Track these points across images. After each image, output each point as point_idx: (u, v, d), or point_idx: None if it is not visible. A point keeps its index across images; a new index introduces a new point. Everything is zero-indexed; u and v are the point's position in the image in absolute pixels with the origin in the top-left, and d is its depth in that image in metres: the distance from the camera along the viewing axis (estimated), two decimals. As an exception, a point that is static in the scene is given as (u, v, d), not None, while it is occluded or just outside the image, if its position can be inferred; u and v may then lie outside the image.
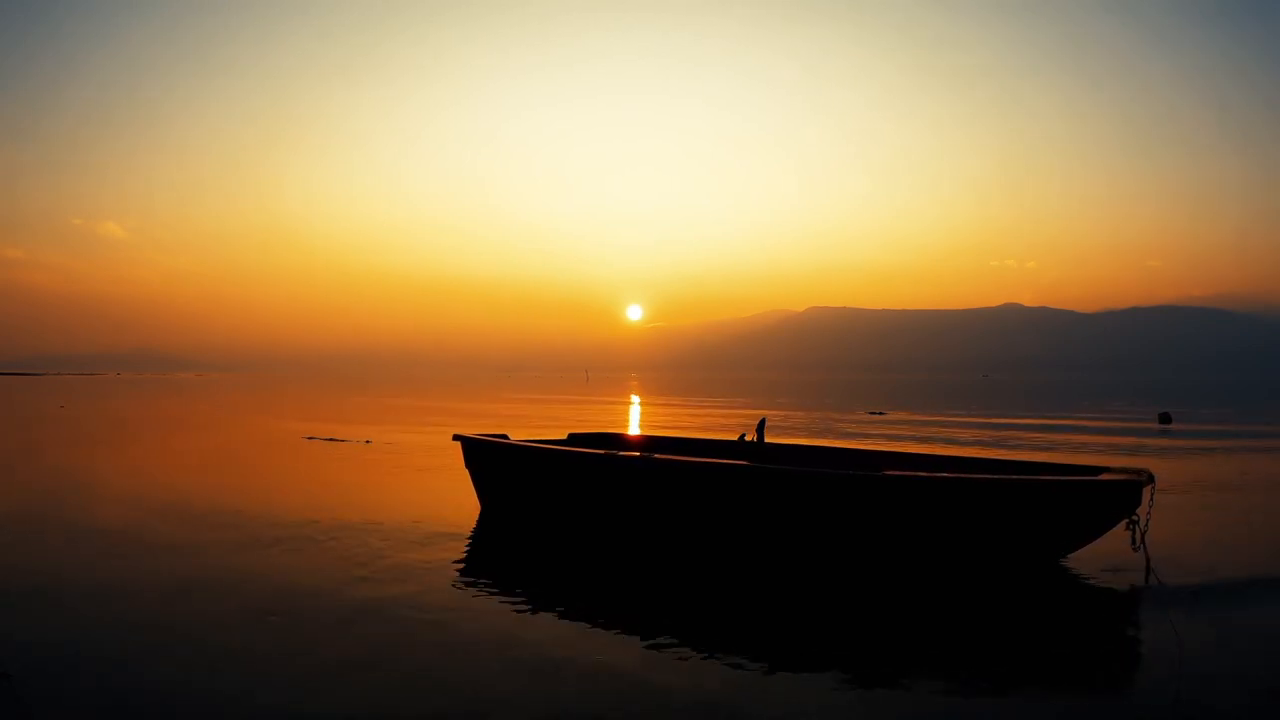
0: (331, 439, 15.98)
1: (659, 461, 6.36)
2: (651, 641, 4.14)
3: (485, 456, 7.71)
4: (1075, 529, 5.46)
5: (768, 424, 8.18)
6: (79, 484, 9.80)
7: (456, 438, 8.00)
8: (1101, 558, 5.72)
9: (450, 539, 6.56)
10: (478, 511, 7.64)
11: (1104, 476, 5.42)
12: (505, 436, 8.05)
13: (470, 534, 6.82)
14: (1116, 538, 5.40)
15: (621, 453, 6.96)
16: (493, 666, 3.78)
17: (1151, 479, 5.39)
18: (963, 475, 5.56)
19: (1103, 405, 34.67)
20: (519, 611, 4.66)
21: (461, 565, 5.78)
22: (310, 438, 16.37)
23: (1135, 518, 5.27)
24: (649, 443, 8.46)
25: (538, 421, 22.85)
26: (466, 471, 7.98)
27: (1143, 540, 5.22)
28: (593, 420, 23.63)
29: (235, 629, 4.29)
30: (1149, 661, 4.02)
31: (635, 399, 42.35)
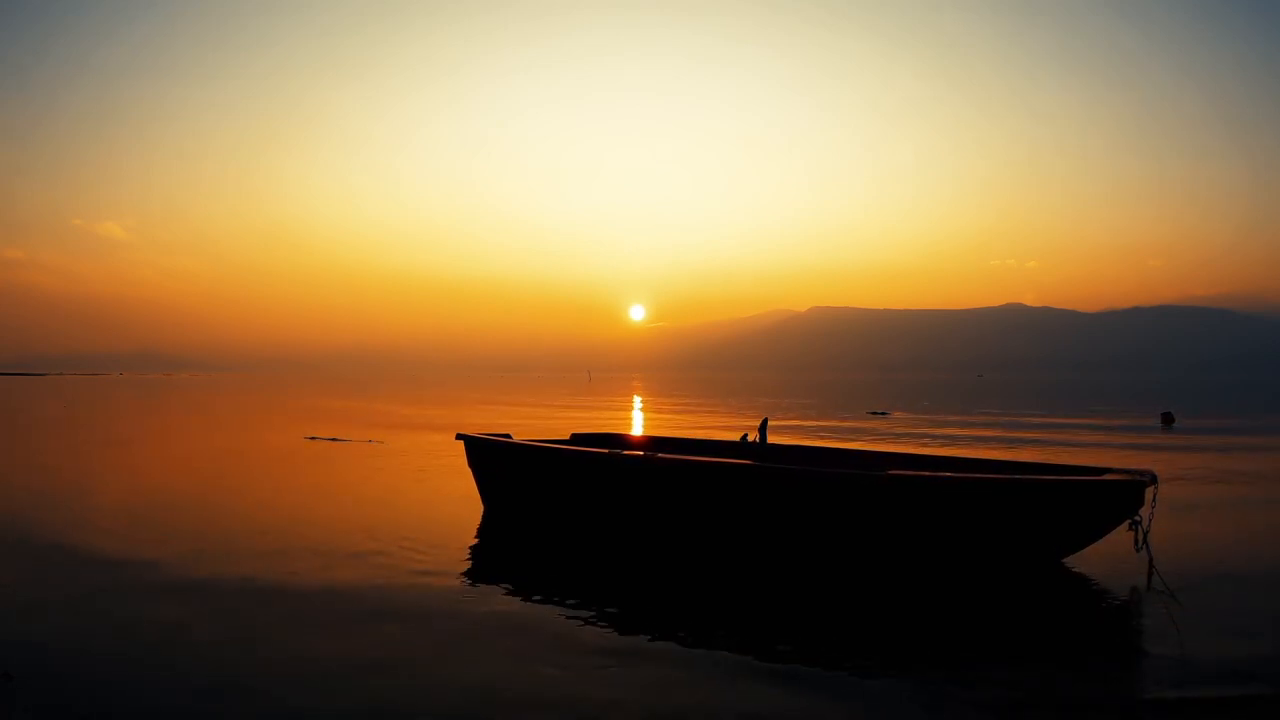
0: (333, 439, 15.99)
1: (661, 461, 6.36)
2: (656, 641, 4.14)
3: (488, 456, 7.71)
4: (1077, 529, 5.46)
5: (770, 424, 8.17)
6: (80, 485, 9.81)
7: (459, 437, 8.00)
8: (1104, 558, 5.72)
9: (454, 539, 6.56)
10: (481, 511, 7.65)
11: (1106, 477, 5.41)
12: (508, 436, 8.05)
13: (474, 533, 6.82)
14: (1119, 538, 5.39)
15: (624, 452, 6.96)
16: (497, 666, 3.78)
17: (1154, 480, 5.38)
18: (965, 475, 5.56)
19: (1105, 405, 34.63)
20: (522, 612, 4.66)
21: (465, 565, 5.78)
22: (312, 437, 16.38)
23: (1138, 518, 5.27)
24: (651, 443, 8.46)
25: (539, 422, 22.85)
26: (469, 471, 7.98)
27: (1145, 541, 5.21)
28: (594, 421, 23.62)
29: (238, 629, 4.29)
30: (1151, 662, 4.01)
31: (638, 400, 42.34)
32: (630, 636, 4.23)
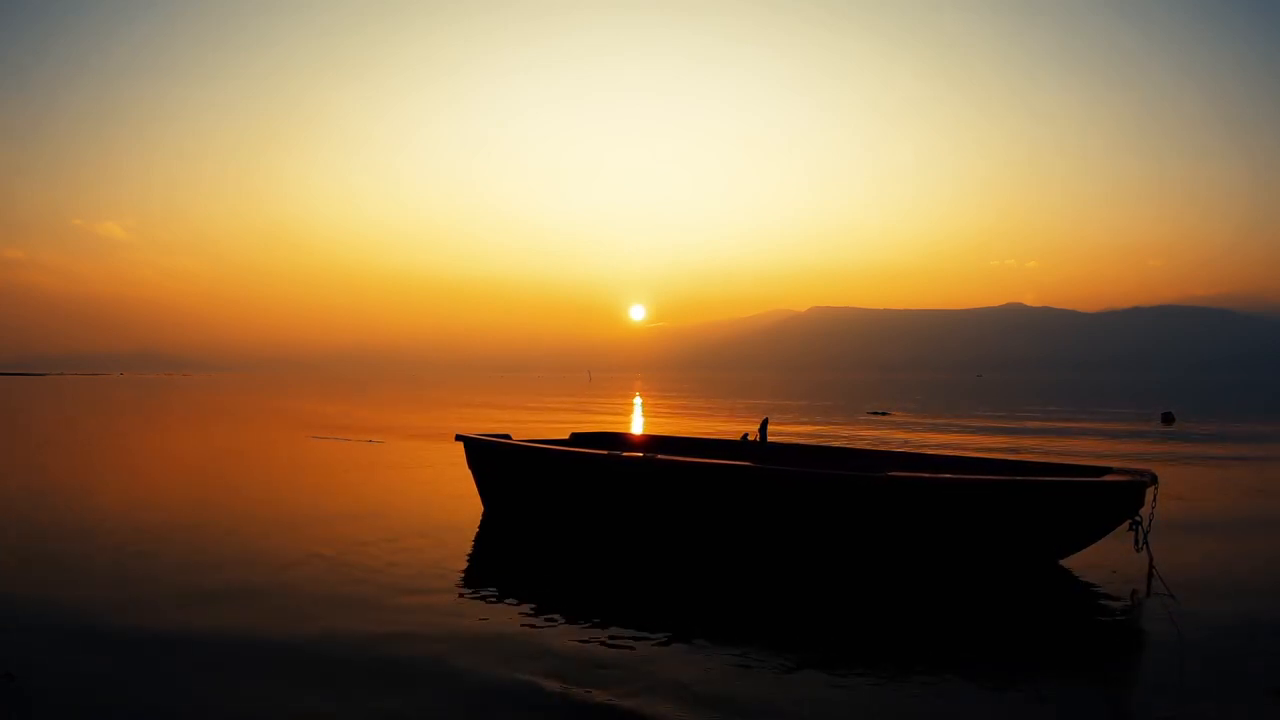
0: (336, 438, 16.00)
1: (662, 462, 6.36)
2: (658, 643, 4.14)
3: (488, 457, 7.70)
4: (1077, 530, 5.46)
5: (770, 425, 8.17)
6: (82, 485, 9.80)
7: (459, 438, 8.00)
8: (1104, 559, 5.72)
9: (453, 539, 6.56)
10: (480, 512, 7.65)
11: (1106, 477, 5.41)
12: (508, 436, 8.05)
13: (473, 534, 6.82)
14: (1119, 539, 5.39)
15: (624, 453, 6.96)
16: (497, 670, 3.78)
17: (1154, 480, 5.38)
18: (965, 476, 5.56)
19: (1105, 405, 34.63)
20: (523, 613, 4.65)
21: (464, 566, 5.78)
22: (316, 437, 16.39)
23: (1138, 519, 5.26)
24: (651, 443, 8.46)
25: (539, 422, 22.84)
26: (469, 472, 7.98)
27: (1145, 542, 5.21)
28: (594, 422, 23.61)
29: (235, 631, 4.29)
30: (1151, 662, 4.01)
31: (638, 400, 42.32)
32: (632, 639, 4.22)
